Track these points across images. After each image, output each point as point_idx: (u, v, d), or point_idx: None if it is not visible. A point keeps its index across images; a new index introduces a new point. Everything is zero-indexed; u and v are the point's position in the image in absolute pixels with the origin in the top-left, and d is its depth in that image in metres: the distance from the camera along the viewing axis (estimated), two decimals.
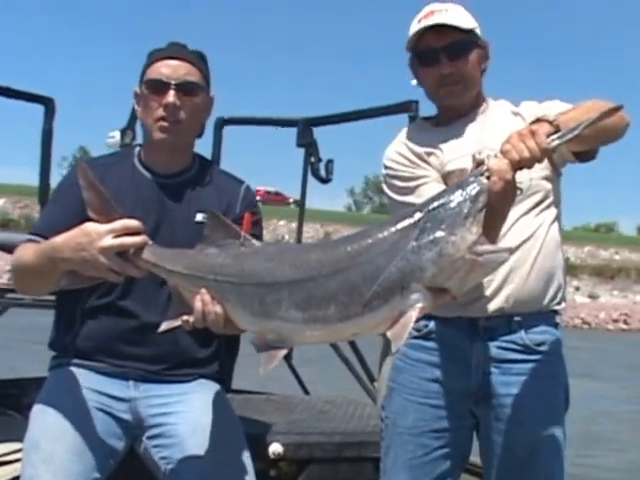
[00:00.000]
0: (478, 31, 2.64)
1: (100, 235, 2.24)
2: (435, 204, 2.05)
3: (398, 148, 2.69)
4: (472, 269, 2.01)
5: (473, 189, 2.05)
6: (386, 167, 2.70)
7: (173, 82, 2.61)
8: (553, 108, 2.51)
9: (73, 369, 2.64)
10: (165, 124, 2.62)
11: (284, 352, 2.13)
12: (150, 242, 2.30)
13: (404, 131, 2.76)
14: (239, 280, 2.17)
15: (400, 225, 2.05)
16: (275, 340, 2.12)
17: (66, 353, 2.67)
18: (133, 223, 2.28)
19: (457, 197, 2.04)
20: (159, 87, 2.62)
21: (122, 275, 2.29)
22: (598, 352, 23.36)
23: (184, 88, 2.63)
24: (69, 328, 2.67)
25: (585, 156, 2.55)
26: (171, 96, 2.60)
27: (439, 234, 1.99)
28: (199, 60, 2.71)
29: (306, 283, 2.08)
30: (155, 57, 2.68)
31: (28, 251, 2.47)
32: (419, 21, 2.60)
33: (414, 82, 2.73)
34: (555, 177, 2.64)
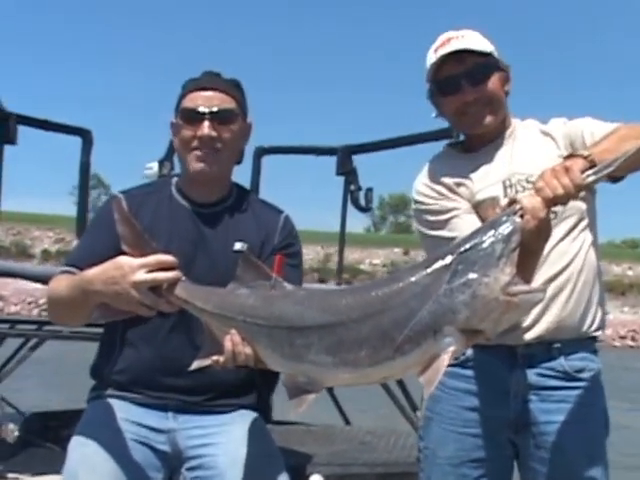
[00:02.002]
0: (496, 54, 2.60)
1: (133, 269, 2.24)
2: (467, 245, 2.02)
3: (426, 180, 2.65)
4: (506, 310, 1.97)
5: (506, 229, 2.01)
6: (416, 201, 2.66)
7: (207, 112, 2.61)
8: (584, 128, 2.49)
9: (111, 400, 2.64)
10: (200, 153, 2.62)
11: (314, 396, 2.11)
12: (183, 278, 2.30)
13: (431, 161, 2.72)
14: (268, 323, 2.17)
15: (432, 268, 2.02)
16: (305, 383, 2.10)
17: (105, 384, 2.67)
18: (167, 258, 2.28)
19: (489, 237, 2.00)
20: (193, 117, 2.62)
21: (154, 310, 2.29)
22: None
23: (219, 117, 2.62)
24: (109, 359, 2.68)
25: (617, 177, 2.46)
26: (206, 127, 2.60)
27: (472, 276, 1.96)
28: (233, 88, 2.70)
29: (336, 328, 2.06)
30: (189, 87, 2.68)
31: (62, 282, 2.49)
32: (436, 50, 2.57)
33: (434, 114, 2.70)
34: (589, 196, 2.59)
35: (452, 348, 1.96)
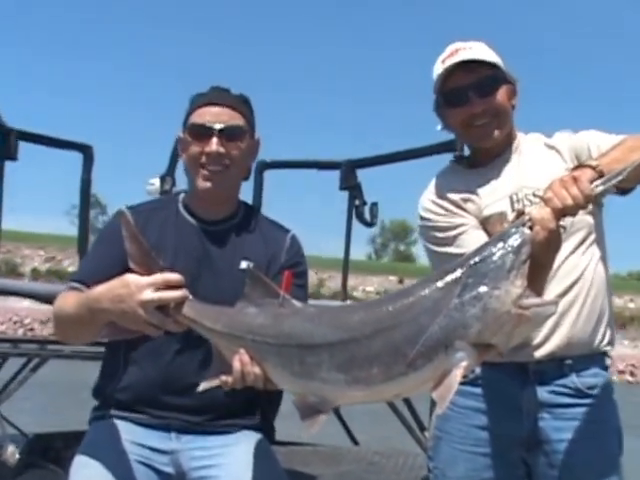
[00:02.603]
0: (504, 67, 2.57)
1: (140, 288, 2.21)
2: (477, 258, 1.99)
3: (432, 197, 2.62)
4: (518, 323, 1.94)
5: (515, 240, 1.99)
6: (422, 218, 2.63)
7: (216, 128, 2.58)
8: (590, 141, 2.47)
9: (114, 421, 2.60)
10: (207, 173, 2.59)
11: (326, 415, 2.08)
12: (190, 297, 2.27)
13: (436, 177, 2.69)
14: (278, 341, 2.14)
15: (442, 282, 1.99)
16: (317, 402, 2.07)
17: (107, 404, 2.63)
18: (174, 277, 2.25)
19: (499, 250, 1.98)
20: (202, 133, 2.59)
21: (161, 329, 2.26)
22: None
23: (227, 134, 2.59)
24: (112, 378, 2.64)
25: (626, 189, 2.45)
26: (214, 144, 2.57)
27: (482, 289, 1.93)
28: (242, 104, 2.67)
29: (347, 344, 2.03)
30: (197, 103, 2.65)
31: (68, 300, 2.45)
32: (443, 61, 2.54)
33: (439, 127, 2.67)
34: (597, 209, 2.56)
35: (464, 363, 1.94)
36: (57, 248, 43.48)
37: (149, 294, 2.20)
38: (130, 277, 2.25)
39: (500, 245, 1.99)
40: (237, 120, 2.62)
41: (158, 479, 2.52)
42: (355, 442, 4.70)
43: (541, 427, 2.48)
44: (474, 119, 2.52)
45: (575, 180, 2.07)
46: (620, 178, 2.06)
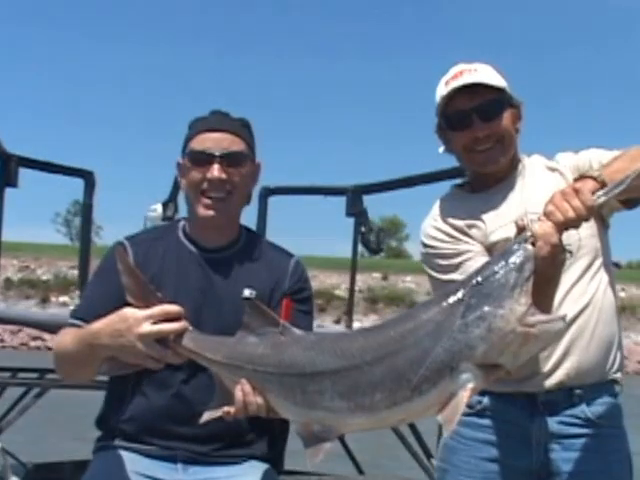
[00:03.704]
0: (509, 90, 2.52)
1: (138, 321, 2.21)
2: (479, 278, 1.97)
3: (436, 223, 2.58)
4: (525, 341, 1.92)
5: (518, 257, 1.96)
6: (425, 245, 2.59)
7: (217, 154, 2.55)
8: (592, 158, 2.43)
9: (119, 451, 2.56)
10: (209, 201, 2.56)
11: (330, 444, 2.06)
12: (190, 328, 2.26)
13: (439, 203, 2.64)
14: (279, 370, 2.13)
15: (444, 304, 1.97)
16: (320, 430, 2.06)
17: (112, 434, 2.59)
18: (172, 308, 2.25)
19: (501, 268, 1.95)
20: (203, 159, 2.56)
21: (161, 362, 2.25)
22: None
23: (229, 159, 2.56)
24: (116, 408, 2.60)
25: (632, 203, 2.44)
26: (216, 170, 2.54)
27: (486, 309, 1.91)
28: (242, 129, 2.64)
29: (349, 372, 2.02)
30: (198, 128, 2.62)
31: (67, 337, 2.45)
32: (447, 83, 2.49)
33: (441, 149, 2.62)
34: (603, 231, 2.54)
35: (471, 385, 1.91)
36: (32, 257, 43.19)
37: (147, 327, 2.20)
38: (128, 311, 2.25)
39: (502, 263, 1.96)
40: (238, 145, 2.59)
41: None
42: (360, 471, 4.63)
43: (551, 459, 2.44)
44: (477, 144, 2.48)
45: (576, 192, 2.04)
46: (623, 187, 2.02)
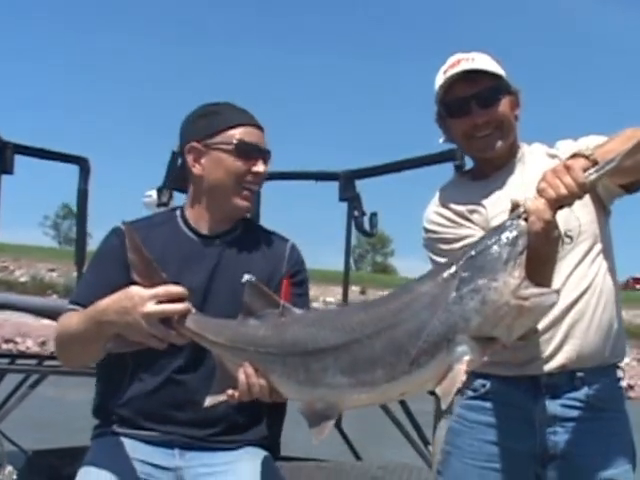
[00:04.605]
0: (507, 78, 2.54)
1: (143, 300, 2.21)
2: (473, 252, 2.00)
3: (438, 209, 2.60)
4: (519, 314, 1.94)
5: (511, 232, 1.99)
6: (427, 230, 2.60)
7: (264, 150, 2.64)
8: (590, 144, 2.42)
9: (116, 438, 2.57)
10: (248, 193, 2.62)
11: (334, 420, 2.09)
12: (193, 310, 2.27)
13: (441, 190, 2.67)
14: (282, 351, 2.14)
15: (439, 277, 2.00)
16: (324, 408, 2.07)
17: (109, 421, 2.60)
18: (176, 289, 2.26)
19: (495, 242, 1.98)
20: (252, 152, 2.61)
21: (165, 342, 2.25)
22: None
23: (267, 157, 2.66)
24: (113, 395, 2.61)
25: (632, 186, 2.46)
26: (261, 165, 2.61)
27: (480, 282, 1.93)
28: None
29: (351, 346, 2.03)
30: (237, 120, 2.63)
31: (73, 318, 2.45)
32: (445, 71, 2.51)
33: (441, 140, 2.65)
34: (604, 217, 2.55)
35: (467, 357, 1.93)
36: (12, 258, 43.00)
37: (152, 307, 2.20)
38: (134, 289, 2.26)
39: (496, 238, 1.99)
40: (267, 144, 2.67)
41: None
42: (358, 457, 4.65)
43: (554, 441, 2.45)
44: (476, 130, 2.49)
45: (568, 169, 2.06)
46: (613, 164, 2.04)
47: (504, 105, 2.49)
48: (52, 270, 41.44)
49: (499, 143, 2.51)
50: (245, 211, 2.67)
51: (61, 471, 3.40)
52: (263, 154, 2.63)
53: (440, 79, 2.51)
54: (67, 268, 39.13)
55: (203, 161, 2.61)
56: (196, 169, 2.63)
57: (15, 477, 3.40)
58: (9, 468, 3.41)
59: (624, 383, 2.61)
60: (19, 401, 3.76)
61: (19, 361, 4.36)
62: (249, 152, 2.60)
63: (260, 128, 2.65)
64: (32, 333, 27.32)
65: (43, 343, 27.55)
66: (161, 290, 2.23)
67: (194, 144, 2.63)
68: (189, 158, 2.65)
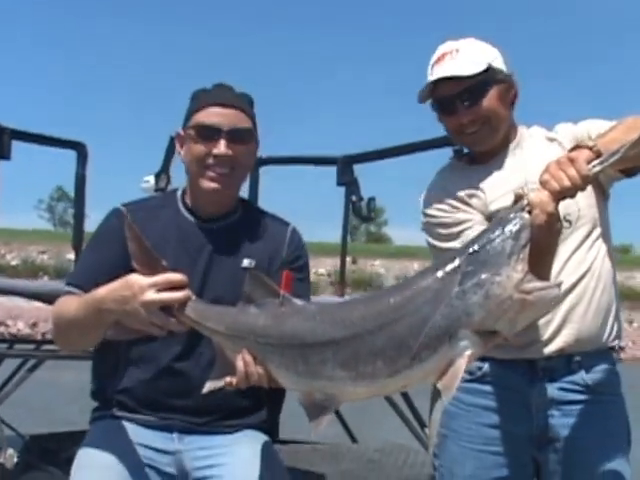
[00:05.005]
0: (496, 63, 2.51)
1: (143, 289, 2.19)
2: (476, 246, 1.98)
3: (436, 193, 2.60)
4: (522, 308, 1.93)
5: (514, 225, 1.97)
6: (426, 214, 2.60)
7: (225, 129, 2.53)
8: (590, 128, 2.44)
9: (115, 422, 2.57)
10: (214, 174, 2.55)
11: (332, 412, 2.08)
12: (193, 297, 2.26)
13: (439, 173, 2.67)
14: (281, 342, 2.13)
15: (442, 271, 1.98)
16: (323, 399, 2.06)
17: (108, 405, 2.60)
18: (176, 277, 2.23)
19: (498, 235, 1.96)
20: (210, 134, 2.54)
21: (165, 330, 2.24)
22: None
23: (235, 136, 2.55)
24: (111, 379, 2.61)
25: (632, 171, 2.45)
26: (222, 146, 2.52)
27: (483, 276, 1.92)
28: (248, 105, 2.63)
29: (351, 341, 2.02)
30: (204, 101, 2.59)
31: (71, 304, 2.42)
32: (432, 66, 2.51)
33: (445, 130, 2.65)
34: (603, 202, 2.56)
35: (469, 352, 1.93)
36: (2, 242, 42.73)
37: (152, 295, 2.18)
38: (133, 278, 2.23)
39: (499, 231, 1.97)
40: (244, 122, 2.58)
41: (161, 479, 2.49)
42: (354, 439, 4.67)
43: (551, 425, 2.47)
44: (464, 128, 2.50)
45: (572, 161, 2.05)
46: (617, 157, 2.03)
47: (491, 99, 2.48)
48: (43, 252, 41.22)
49: (488, 138, 2.51)
50: (214, 194, 2.57)
51: (59, 455, 3.41)
52: (219, 134, 2.53)
53: (429, 74, 2.51)
54: (57, 250, 39.01)
55: (184, 147, 2.62)
56: (181, 155, 2.65)
57: (16, 460, 3.41)
58: (10, 451, 3.42)
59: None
60: (17, 385, 3.76)
61: (17, 346, 4.36)
62: (206, 134, 2.54)
63: (231, 106, 2.57)
64: (23, 315, 27.25)
65: (34, 324, 27.58)
66: (160, 278, 2.21)
67: (179, 131, 2.64)
68: (177, 145, 2.67)
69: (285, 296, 2.19)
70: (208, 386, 2.24)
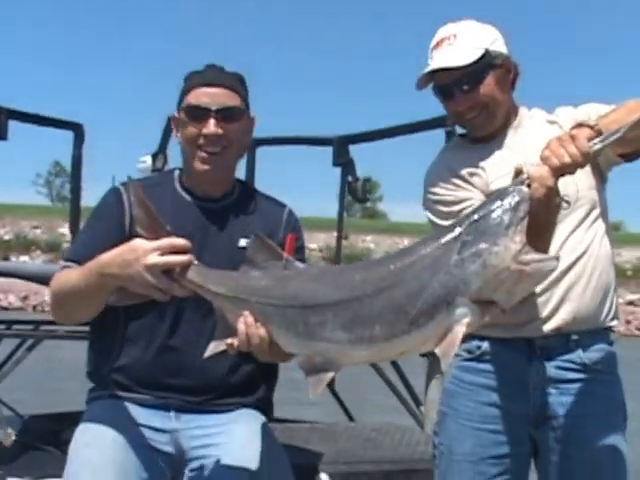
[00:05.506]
0: (495, 45, 2.52)
1: (146, 252, 2.21)
2: (475, 216, 2.01)
3: (438, 170, 2.62)
4: (519, 279, 1.96)
5: (513, 198, 2.01)
6: (428, 192, 2.62)
7: (213, 109, 2.55)
8: (591, 111, 2.45)
9: (112, 401, 2.58)
10: (205, 155, 2.56)
11: (332, 374, 2.10)
12: (195, 262, 2.27)
13: (442, 151, 2.70)
14: (282, 302, 2.14)
15: (442, 240, 2.01)
16: (322, 362, 2.08)
17: (105, 385, 2.61)
18: (180, 241, 2.26)
19: (497, 207, 2.00)
20: (199, 115, 2.56)
21: (167, 294, 2.25)
22: None
23: (225, 115, 2.56)
24: (107, 359, 2.61)
25: (631, 156, 2.48)
26: (212, 125, 2.54)
27: (482, 246, 1.95)
28: (238, 83, 2.64)
29: (351, 303, 2.04)
30: (194, 83, 2.61)
31: (71, 274, 2.43)
32: (431, 50, 2.53)
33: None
34: (601, 184, 2.57)
35: (467, 320, 1.95)
36: None
37: (155, 258, 2.20)
38: (137, 242, 2.26)
39: (498, 203, 2.00)
40: (234, 100, 2.59)
41: (159, 459, 2.50)
42: (351, 418, 4.69)
43: (548, 403, 2.48)
44: (462, 114, 2.53)
45: (573, 138, 2.08)
46: (617, 136, 2.07)
47: (488, 84, 2.49)
48: (36, 227, 41.11)
49: (487, 124, 2.54)
50: (208, 174, 2.59)
51: (58, 436, 3.42)
52: (208, 114, 2.54)
53: (428, 56, 2.53)
54: (50, 225, 38.98)
55: (180, 129, 2.63)
56: (177, 138, 2.67)
57: (14, 438, 3.42)
58: (8, 430, 3.43)
59: None
60: (15, 365, 3.77)
61: (15, 326, 4.37)
62: (196, 115, 2.56)
63: (219, 85, 2.58)
64: (14, 289, 27.41)
65: (25, 297, 27.83)
66: (164, 242, 2.23)
67: (174, 114, 2.66)
68: (173, 127, 2.70)
69: (288, 259, 2.22)
70: (210, 348, 2.26)
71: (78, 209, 4.76)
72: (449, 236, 2.00)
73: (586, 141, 2.08)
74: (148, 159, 4.70)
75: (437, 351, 1.97)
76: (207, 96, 2.56)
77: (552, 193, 2.05)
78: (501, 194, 2.04)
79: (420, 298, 1.96)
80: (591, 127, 2.13)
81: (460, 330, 1.94)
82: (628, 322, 29.10)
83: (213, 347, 2.25)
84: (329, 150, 4.67)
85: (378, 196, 78.44)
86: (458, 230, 2.00)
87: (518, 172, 2.08)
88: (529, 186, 2.02)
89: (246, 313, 2.16)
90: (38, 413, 4.31)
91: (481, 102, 2.49)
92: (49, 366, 10.63)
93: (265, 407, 2.72)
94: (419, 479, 3.24)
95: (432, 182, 2.60)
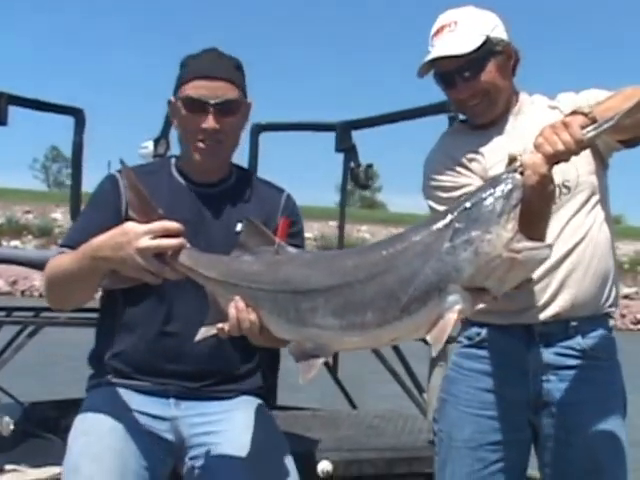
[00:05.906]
0: (496, 32, 2.51)
1: (138, 235, 2.21)
2: (468, 204, 2.00)
3: (438, 157, 2.62)
4: (511, 267, 1.95)
5: (506, 185, 1.99)
6: (427, 177, 2.61)
7: (212, 103, 2.53)
8: (590, 97, 2.43)
9: (112, 388, 2.58)
10: (203, 146, 2.56)
11: (323, 360, 2.10)
12: (188, 245, 2.27)
13: (442, 137, 2.70)
14: (274, 287, 2.14)
15: (434, 226, 2.00)
16: (313, 348, 2.08)
17: (104, 372, 2.61)
18: (172, 225, 2.25)
19: (490, 195, 1.99)
20: (198, 108, 2.54)
21: (159, 277, 2.25)
22: None
23: (223, 108, 2.55)
24: (107, 345, 2.61)
25: (630, 142, 2.46)
26: (210, 120, 2.53)
27: (474, 233, 1.94)
28: (236, 73, 2.62)
29: (342, 289, 2.04)
30: (192, 73, 2.58)
31: (65, 259, 2.44)
32: (432, 37, 2.52)
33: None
34: (602, 170, 2.56)
35: (458, 307, 1.95)
36: None
37: (147, 241, 2.20)
38: (129, 225, 2.26)
39: (491, 190, 1.99)
40: (232, 93, 2.57)
41: (159, 446, 2.50)
42: (354, 406, 4.68)
43: (547, 389, 2.48)
44: (465, 101, 2.52)
45: (566, 125, 2.07)
46: (611, 124, 2.05)
47: (489, 72, 2.48)
48: (28, 212, 41.18)
49: (488, 111, 2.53)
50: (205, 164, 2.59)
51: (58, 423, 3.41)
52: (207, 108, 2.53)
53: (428, 43, 2.52)
54: (43, 210, 39.05)
55: (176, 115, 2.62)
56: (174, 124, 2.66)
57: (12, 427, 3.41)
58: (6, 419, 3.42)
59: None
60: (15, 352, 3.76)
61: (15, 313, 4.36)
62: (194, 108, 2.54)
63: (218, 78, 2.56)
64: (3, 274, 27.63)
65: (14, 282, 28.13)
66: (156, 225, 2.23)
67: (172, 99, 2.65)
68: (170, 112, 2.69)
69: (280, 244, 2.21)
70: (202, 332, 2.26)
71: (79, 195, 4.73)
72: (441, 223, 2.00)
73: (579, 128, 2.06)
74: (150, 145, 4.66)
75: (428, 338, 1.97)
76: (206, 89, 2.54)
77: (546, 181, 2.04)
78: (494, 181, 2.03)
79: (412, 284, 1.95)
80: (585, 114, 2.11)
81: (452, 317, 1.94)
82: (623, 316, 29.06)
83: (204, 331, 2.25)
84: (330, 137, 4.65)
85: (377, 186, 78.47)
86: (450, 217, 1.99)
87: (512, 159, 2.07)
88: (522, 173, 2.01)
89: (237, 298, 2.16)
90: (38, 400, 4.30)
91: (483, 89, 2.49)
92: (50, 351, 10.62)
93: (266, 394, 2.71)
94: (421, 466, 3.23)
95: (432, 168, 2.60)
